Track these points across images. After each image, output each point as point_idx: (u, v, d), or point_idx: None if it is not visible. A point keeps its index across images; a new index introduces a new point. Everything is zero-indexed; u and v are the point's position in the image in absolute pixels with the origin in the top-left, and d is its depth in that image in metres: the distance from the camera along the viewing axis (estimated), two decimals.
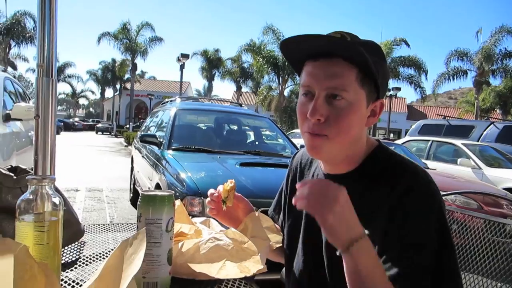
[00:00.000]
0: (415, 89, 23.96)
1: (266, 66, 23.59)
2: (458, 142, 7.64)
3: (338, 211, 0.67)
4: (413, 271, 0.74)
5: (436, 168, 6.49)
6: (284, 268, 1.11)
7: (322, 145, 0.83)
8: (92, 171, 9.29)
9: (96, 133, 34.14)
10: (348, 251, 0.68)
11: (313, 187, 0.70)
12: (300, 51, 0.84)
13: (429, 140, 8.25)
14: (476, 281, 1.32)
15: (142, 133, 5.47)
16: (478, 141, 8.66)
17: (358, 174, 0.88)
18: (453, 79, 23.10)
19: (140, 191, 4.81)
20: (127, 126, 31.79)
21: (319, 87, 0.82)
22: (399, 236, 0.76)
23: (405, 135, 13.64)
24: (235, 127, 4.77)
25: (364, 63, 0.79)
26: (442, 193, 0.83)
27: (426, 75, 23.73)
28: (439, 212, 0.78)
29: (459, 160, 7.13)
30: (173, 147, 3.77)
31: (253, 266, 0.87)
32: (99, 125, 36.22)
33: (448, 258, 0.78)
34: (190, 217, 1.08)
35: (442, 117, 11.18)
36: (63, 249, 0.98)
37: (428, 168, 6.09)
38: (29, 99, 4.97)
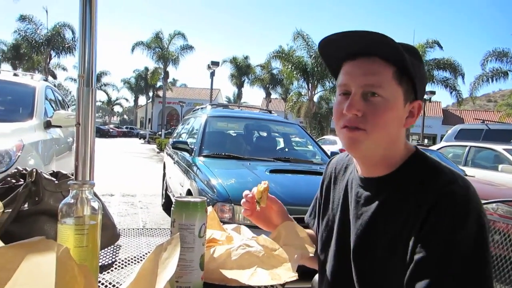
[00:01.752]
0: (451, 93, 22.95)
1: (295, 72, 23.49)
2: (499, 147, 7.27)
3: None
4: None
5: (475, 175, 6.20)
6: (315, 276, 1.09)
7: (361, 139, 0.82)
8: (126, 177, 9.58)
9: (139, 139, 37.41)
10: None
11: None
12: (338, 50, 0.85)
13: (466, 146, 7.91)
14: None
15: (174, 140, 5.59)
16: None
17: (394, 179, 0.85)
18: (492, 81, 22.03)
19: (172, 197, 4.90)
20: (159, 133, 32.66)
21: (356, 84, 0.82)
22: (432, 256, 0.72)
23: (441, 140, 13.14)
24: (265, 134, 4.78)
25: (401, 62, 0.80)
26: (482, 201, 0.78)
27: (463, 78, 22.76)
28: (477, 222, 0.73)
29: (500, 166, 6.78)
30: (204, 154, 3.83)
31: (284, 273, 0.87)
32: (142, 132, 40.77)
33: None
34: (221, 223, 1.09)
35: (481, 121, 10.69)
36: (100, 252, 1.02)
37: (466, 175, 5.82)
38: (68, 106, 5.20)
